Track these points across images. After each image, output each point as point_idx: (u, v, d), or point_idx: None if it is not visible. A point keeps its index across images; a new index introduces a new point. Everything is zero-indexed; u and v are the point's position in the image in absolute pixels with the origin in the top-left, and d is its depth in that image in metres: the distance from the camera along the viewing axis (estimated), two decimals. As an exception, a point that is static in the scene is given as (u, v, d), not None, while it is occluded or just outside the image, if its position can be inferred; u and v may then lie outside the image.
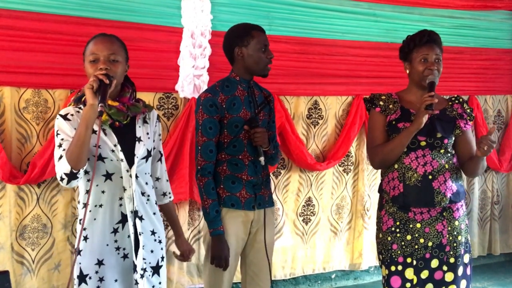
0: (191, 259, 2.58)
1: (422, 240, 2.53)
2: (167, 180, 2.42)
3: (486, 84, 4.90)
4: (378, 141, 2.59)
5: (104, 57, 2.08)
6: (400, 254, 2.53)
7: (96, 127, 2.06)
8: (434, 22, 4.48)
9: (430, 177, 2.51)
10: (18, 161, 3.24)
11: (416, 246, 2.53)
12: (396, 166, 2.56)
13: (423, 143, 2.53)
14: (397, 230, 2.54)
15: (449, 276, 2.57)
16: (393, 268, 2.53)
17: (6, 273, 2.14)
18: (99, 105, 1.93)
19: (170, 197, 2.43)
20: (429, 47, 2.55)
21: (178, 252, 2.57)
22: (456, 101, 2.68)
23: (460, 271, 2.58)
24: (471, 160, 2.56)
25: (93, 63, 2.08)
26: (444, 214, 2.55)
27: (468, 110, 2.67)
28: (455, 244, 2.57)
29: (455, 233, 2.57)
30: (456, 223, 2.58)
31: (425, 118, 2.45)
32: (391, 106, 2.60)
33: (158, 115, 2.34)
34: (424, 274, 2.54)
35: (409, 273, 2.52)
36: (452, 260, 2.57)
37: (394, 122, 2.57)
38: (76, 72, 3.20)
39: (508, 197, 5.17)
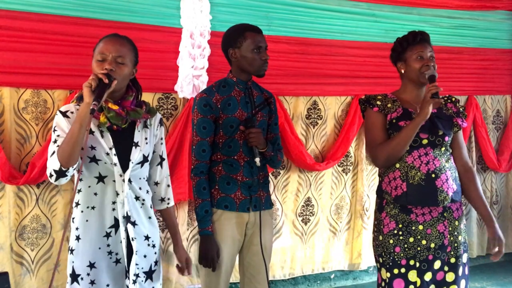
0: (190, 272, 2.45)
1: (424, 242, 2.51)
2: (168, 186, 2.35)
3: (485, 84, 4.91)
4: (379, 139, 2.55)
5: (111, 57, 2.07)
6: (403, 256, 2.50)
7: (93, 128, 2.06)
8: (433, 22, 4.48)
9: (433, 175, 2.49)
10: (18, 162, 3.24)
11: (419, 248, 2.51)
12: (397, 165, 2.53)
13: (425, 141, 2.52)
14: (400, 232, 2.51)
15: (450, 277, 2.56)
16: (395, 271, 2.50)
17: (5, 275, 2.13)
18: (93, 103, 1.90)
19: (168, 203, 2.36)
20: (422, 46, 2.56)
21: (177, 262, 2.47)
22: (449, 101, 2.70)
23: (460, 271, 2.58)
24: (478, 207, 2.68)
25: (100, 62, 2.07)
26: (444, 214, 2.55)
27: (461, 109, 2.70)
28: (456, 244, 2.57)
29: (455, 233, 2.58)
30: (456, 223, 2.59)
31: (431, 108, 2.43)
32: (389, 105, 2.59)
33: (161, 119, 2.32)
34: (428, 276, 2.52)
35: (412, 276, 2.50)
36: (453, 260, 2.57)
37: (394, 121, 2.55)
38: (75, 72, 3.21)
39: (507, 197, 5.18)
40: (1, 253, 3.21)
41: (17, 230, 3.26)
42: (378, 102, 2.60)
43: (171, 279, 3.71)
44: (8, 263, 3.22)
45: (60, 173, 1.97)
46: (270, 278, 4.03)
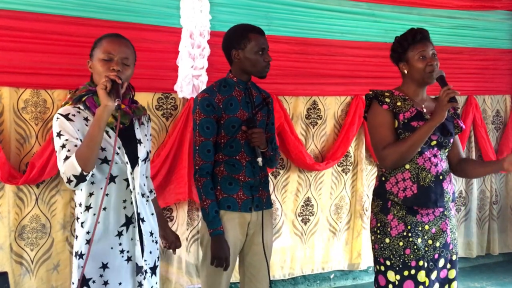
0: (180, 245, 2.58)
1: (430, 242, 2.50)
2: (151, 178, 2.50)
3: (484, 84, 4.91)
4: (389, 139, 2.46)
5: (119, 58, 2.07)
6: (413, 258, 2.46)
7: None
8: (433, 22, 4.48)
9: (441, 177, 2.49)
10: (17, 162, 3.24)
11: (426, 248, 2.50)
12: (407, 166, 2.48)
13: (433, 143, 2.49)
14: (409, 234, 2.47)
15: (452, 273, 2.58)
16: (406, 273, 2.46)
17: (4, 274, 2.12)
18: (116, 99, 1.92)
19: (154, 193, 2.48)
20: (423, 44, 2.51)
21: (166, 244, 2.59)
22: None
23: (457, 267, 2.61)
24: (487, 166, 2.63)
25: (106, 62, 2.06)
26: (445, 213, 2.55)
27: (457, 110, 2.68)
28: (455, 241, 2.60)
29: (453, 230, 2.60)
30: (454, 220, 2.61)
31: (446, 111, 2.38)
32: (399, 103, 2.50)
33: (149, 115, 2.37)
34: (434, 275, 2.52)
35: (421, 276, 2.47)
36: (454, 257, 2.58)
37: (406, 121, 2.48)
38: (75, 72, 3.21)
39: (506, 197, 5.18)
40: (1, 253, 3.21)
41: (17, 230, 3.26)
42: (387, 100, 2.51)
43: (170, 279, 3.71)
44: (8, 263, 3.21)
45: (81, 178, 1.94)
46: (270, 278, 4.03)
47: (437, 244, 2.52)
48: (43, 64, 3.21)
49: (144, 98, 3.49)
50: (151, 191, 2.43)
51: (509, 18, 4.92)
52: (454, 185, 2.62)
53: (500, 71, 4.98)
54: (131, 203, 2.12)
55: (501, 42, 4.91)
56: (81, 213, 2.11)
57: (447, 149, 2.58)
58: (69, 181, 1.94)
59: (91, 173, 1.97)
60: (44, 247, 3.33)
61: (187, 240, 3.75)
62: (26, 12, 3.15)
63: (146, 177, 2.36)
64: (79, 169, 1.91)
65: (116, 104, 1.93)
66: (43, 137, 3.27)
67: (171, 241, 2.53)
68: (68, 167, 1.94)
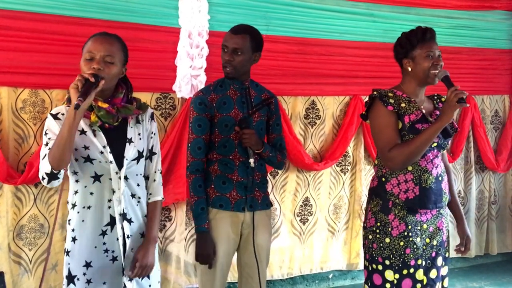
0: (139, 273, 2.13)
1: (428, 240, 2.52)
2: (155, 181, 2.26)
3: (483, 84, 4.92)
4: (395, 141, 2.43)
5: (100, 57, 2.04)
6: (412, 257, 2.46)
7: (85, 128, 2.05)
8: (432, 22, 4.47)
9: (440, 178, 2.49)
10: (15, 161, 3.24)
11: (424, 247, 2.50)
12: (410, 168, 2.46)
13: (434, 144, 2.47)
14: (410, 234, 2.46)
15: (444, 270, 2.59)
16: (405, 272, 2.46)
17: (1, 274, 2.14)
18: (78, 98, 1.87)
19: (149, 198, 2.25)
20: (431, 44, 2.50)
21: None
22: (439, 100, 2.66)
23: (448, 263, 2.64)
24: (451, 204, 2.68)
25: (88, 61, 2.05)
26: (441, 211, 2.56)
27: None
28: (448, 239, 2.62)
29: (448, 228, 2.62)
30: (448, 218, 2.63)
31: (454, 113, 2.37)
32: (403, 104, 2.47)
33: (153, 113, 2.29)
34: (433, 274, 2.52)
35: (419, 274, 2.48)
36: (447, 254, 2.61)
37: (411, 123, 2.45)
38: (73, 72, 3.14)
39: (505, 197, 5.19)
40: (-1, 253, 3.21)
41: (15, 230, 3.26)
42: (391, 100, 2.47)
43: (169, 279, 3.71)
44: (6, 263, 3.21)
45: (52, 176, 1.97)
46: (269, 278, 4.03)
47: (434, 243, 2.54)
48: (41, 64, 3.21)
49: (142, 98, 3.41)
50: (150, 194, 2.24)
51: (507, 18, 4.93)
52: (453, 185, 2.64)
53: (499, 71, 4.99)
54: (117, 202, 2.10)
55: (499, 42, 4.92)
56: (68, 210, 2.15)
57: (444, 150, 2.58)
58: (43, 178, 1.99)
59: (63, 171, 1.99)
60: (42, 247, 3.33)
61: (185, 240, 3.75)
62: (24, 12, 3.15)
63: (151, 178, 2.26)
64: (49, 167, 1.94)
65: (76, 103, 1.86)
66: (41, 137, 3.26)
67: (135, 261, 2.14)
68: (42, 164, 1.98)
